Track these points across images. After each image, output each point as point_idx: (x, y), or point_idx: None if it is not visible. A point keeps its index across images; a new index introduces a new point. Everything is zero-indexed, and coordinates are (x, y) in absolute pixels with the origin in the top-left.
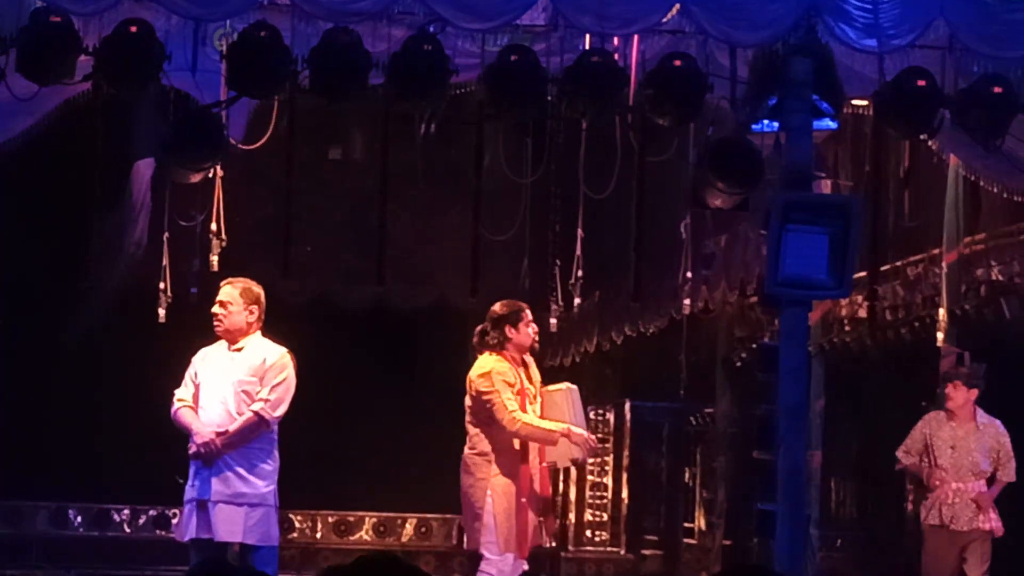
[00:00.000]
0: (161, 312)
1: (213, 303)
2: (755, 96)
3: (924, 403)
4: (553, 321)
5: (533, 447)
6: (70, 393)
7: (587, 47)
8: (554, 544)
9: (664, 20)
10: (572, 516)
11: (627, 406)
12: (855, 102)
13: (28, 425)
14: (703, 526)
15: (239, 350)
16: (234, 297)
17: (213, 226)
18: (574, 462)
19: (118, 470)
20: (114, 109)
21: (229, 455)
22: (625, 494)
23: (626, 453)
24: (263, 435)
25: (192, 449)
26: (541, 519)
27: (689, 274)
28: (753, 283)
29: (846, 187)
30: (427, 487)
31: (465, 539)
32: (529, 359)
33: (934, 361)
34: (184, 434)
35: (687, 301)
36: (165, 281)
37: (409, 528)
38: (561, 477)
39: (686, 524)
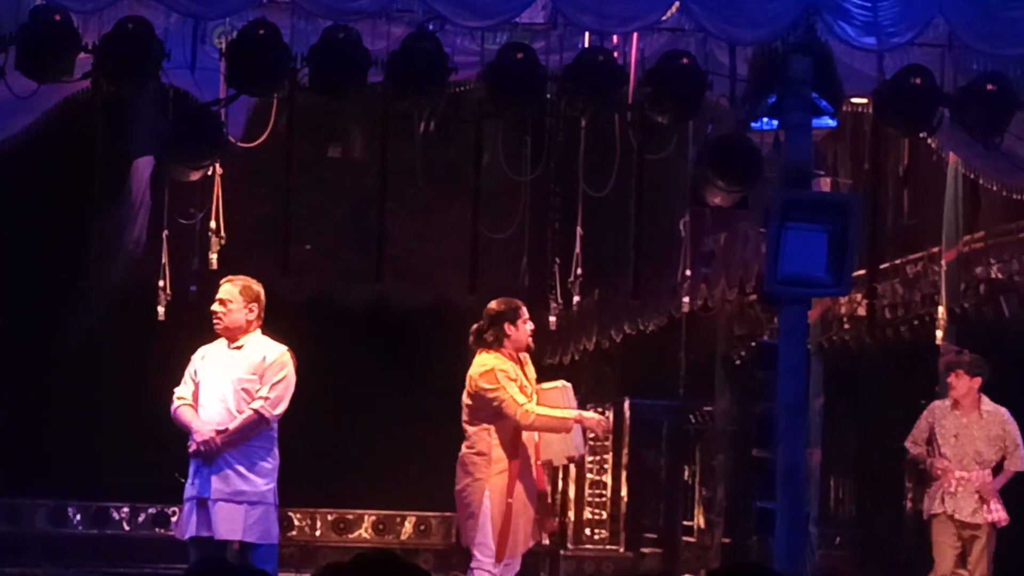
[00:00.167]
0: (160, 310)
1: (213, 301)
2: (754, 94)
3: (923, 401)
4: (552, 319)
5: (530, 445)
6: (69, 391)
7: (586, 45)
8: (548, 543)
9: (664, 18)
10: (571, 514)
11: (626, 404)
12: (854, 100)
13: (27, 423)
14: (702, 524)
15: (239, 348)
16: (234, 295)
17: (212, 224)
18: (570, 459)
19: (117, 468)
20: (113, 107)
21: (229, 453)
22: (624, 492)
23: (625, 451)
24: (263, 433)
25: (192, 447)
26: (538, 517)
27: (688, 272)
28: (752, 281)
29: (845, 185)
30: (426, 485)
31: (458, 535)
32: (524, 357)
33: (933, 359)
34: (184, 432)
35: (686, 299)
36: (164, 279)
37: (408, 526)
38: (560, 475)
39: (685, 522)
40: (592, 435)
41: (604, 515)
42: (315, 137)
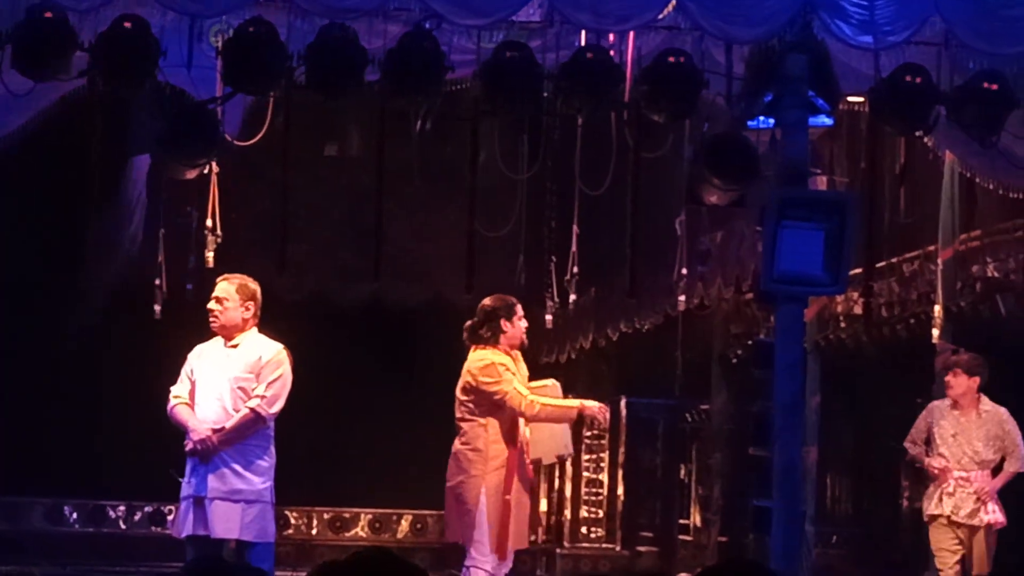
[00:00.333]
0: (157, 308)
1: (209, 299)
2: (751, 92)
3: (919, 399)
4: (549, 317)
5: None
6: (66, 389)
7: (583, 43)
8: (544, 541)
9: (660, 16)
10: (567, 512)
11: (623, 402)
12: (851, 98)
13: (24, 421)
14: (698, 522)
15: (235, 346)
16: (230, 293)
17: (209, 222)
18: (560, 458)
19: (114, 466)
20: (110, 105)
21: (226, 451)
22: (620, 490)
23: (621, 449)
24: (259, 431)
25: (189, 446)
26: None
27: (685, 270)
28: (749, 279)
29: (842, 183)
30: (423, 484)
31: (447, 531)
32: (517, 354)
33: (929, 358)
34: (180, 431)
35: (683, 297)
36: (161, 277)
37: (404, 524)
38: (556, 473)
39: (681, 520)
40: (597, 425)
41: (600, 513)
42: (312, 135)
